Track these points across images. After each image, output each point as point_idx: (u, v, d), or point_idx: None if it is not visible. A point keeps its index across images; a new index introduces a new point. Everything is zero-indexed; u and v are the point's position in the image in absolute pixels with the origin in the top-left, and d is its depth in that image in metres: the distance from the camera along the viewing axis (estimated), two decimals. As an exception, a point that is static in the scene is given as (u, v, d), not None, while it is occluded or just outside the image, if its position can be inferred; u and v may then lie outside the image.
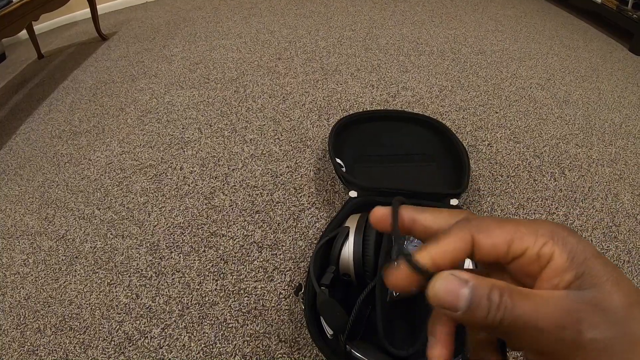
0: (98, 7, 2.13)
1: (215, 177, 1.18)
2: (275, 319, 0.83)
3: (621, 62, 1.68)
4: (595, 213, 1.03)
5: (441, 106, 1.41)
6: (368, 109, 1.40)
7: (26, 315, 0.89)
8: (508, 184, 1.11)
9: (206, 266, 0.94)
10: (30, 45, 2.08)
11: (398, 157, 1.15)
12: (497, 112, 1.38)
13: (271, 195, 1.11)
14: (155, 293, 0.90)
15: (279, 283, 0.90)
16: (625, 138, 1.27)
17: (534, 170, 1.16)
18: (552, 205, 1.05)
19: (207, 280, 0.91)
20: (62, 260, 1.00)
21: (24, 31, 1.85)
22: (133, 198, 1.14)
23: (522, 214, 1.03)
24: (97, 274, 0.96)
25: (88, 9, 2.12)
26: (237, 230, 1.02)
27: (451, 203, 0.94)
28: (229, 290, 0.89)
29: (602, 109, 1.40)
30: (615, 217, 1.02)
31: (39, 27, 2.28)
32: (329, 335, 0.70)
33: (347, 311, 0.70)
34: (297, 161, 1.21)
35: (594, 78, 1.57)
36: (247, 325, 0.83)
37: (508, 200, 1.07)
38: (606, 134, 1.28)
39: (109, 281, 0.94)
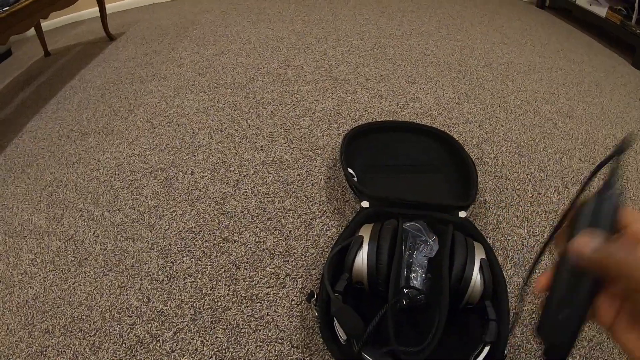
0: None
1: (227, 183, 1.19)
2: (287, 324, 0.84)
3: (624, 77, 1.72)
4: (598, 228, 1.05)
5: (448, 118, 1.43)
6: (377, 120, 1.42)
7: (34, 316, 0.89)
8: (513, 197, 1.13)
9: (218, 271, 0.95)
10: (37, 42, 2.08)
11: (406, 168, 1.17)
12: (502, 126, 1.40)
13: (282, 202, 1.12)
14: (167, 297, 0.90)
15: (291, 290, 0.91)
16: (626, 153, 1.30)
17: (538, 183, 1.18)
18: (555, 218, 1.07)
19: (220, 286, 0.92)
20: (71, 261, 1.00)
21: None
22: (143, 201, 1.14)
23: (526, 226, 1.05)
24: (107, 276, 0.96)
25: (95, 8, 2.12)
26: (249, 236, 1.03)
27: (459, 215, 0.95)
28: (241, 295, 0.90)
29: (604, 123, 1.43)
30: (617, 232, 1.04)
31: (45, 24, 2.28)
32: (341, 341, 0.71)
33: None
34: (308, 169, 1.22)
35: (597, 93, 1.60)
36: (260, 330, 0.83)
37: (513, 213, 1.08)
38: (608, 149, 1.31)
39: (119, 284, 0.94)
